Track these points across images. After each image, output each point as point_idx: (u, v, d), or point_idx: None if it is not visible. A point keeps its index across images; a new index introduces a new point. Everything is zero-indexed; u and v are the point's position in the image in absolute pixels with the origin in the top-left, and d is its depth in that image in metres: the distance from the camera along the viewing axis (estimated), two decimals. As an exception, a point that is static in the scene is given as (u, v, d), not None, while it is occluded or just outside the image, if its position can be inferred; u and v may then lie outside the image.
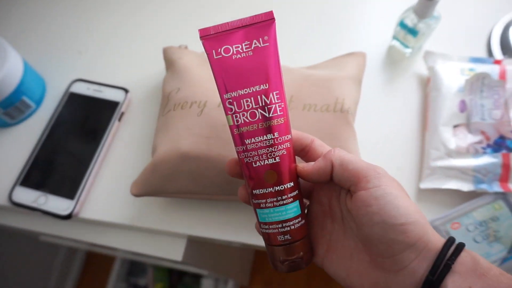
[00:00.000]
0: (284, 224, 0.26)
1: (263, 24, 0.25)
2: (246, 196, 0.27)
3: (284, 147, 0.26)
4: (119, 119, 0.48)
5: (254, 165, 0.25)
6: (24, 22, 0.59)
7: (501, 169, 0.39)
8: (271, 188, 0.25)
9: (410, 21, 0.45)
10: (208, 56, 0.25)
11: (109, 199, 0.44)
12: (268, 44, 0.25)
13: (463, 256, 0.21)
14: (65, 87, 0.51)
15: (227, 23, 0.25)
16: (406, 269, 0.22)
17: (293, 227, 0.26)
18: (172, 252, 0.44)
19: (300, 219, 0.26)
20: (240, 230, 0.41)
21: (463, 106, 0.42)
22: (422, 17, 0.43)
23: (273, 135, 0.25)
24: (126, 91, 0.49)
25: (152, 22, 0.57)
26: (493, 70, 0.43)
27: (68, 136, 0.47)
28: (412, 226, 0.22)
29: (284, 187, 0.26)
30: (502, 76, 0.43)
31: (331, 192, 0.28)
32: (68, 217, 0.43)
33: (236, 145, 0.26)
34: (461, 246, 0.22)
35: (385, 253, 0.23)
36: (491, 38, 0.49)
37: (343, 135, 0.37)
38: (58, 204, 0.43)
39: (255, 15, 0.25)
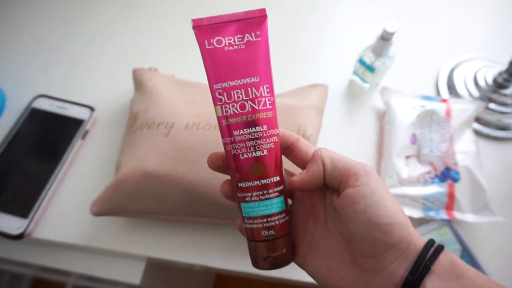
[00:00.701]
0: (269, 219, 0.26)
1: (256, 20, 0.26)
2: (229, 190, 0.27)
3: (272, 140, 0.26)
4: (83, 137, 0.47)
5: (241, 157, 0.25)
6: (-12, 34, 0.58)
7: (447, 197, 0.42)
8: (257, 181, 0.25)
9: (368, 58, 0.49)
10: (200, 47, 0.25)
11: (66, 219, 0.43)
12: (260, 39, 0.26)
13: (442, 257, 0.22)
14: (27, 102, 0.50)
15: (220, 16, 0.25)
16: (387, 269, 0.22)
17: (277, 222, 0.26)
18: (129, 275, 0.43)
19: (284, 215, 0.26)
20: (202, 253, 0.41)
21: (414, 139, 0.46)
22: (379, 55, 0.47)
23: (262, 127, 0.25)
24: (92, 109, 0.49)
25: (120, 42, 0.58)
26: (440, 107, 0.47)
27: (27, 152, 0.46)
28: (396, 227, 0.22)
29: (271, 180, 0.26)
30: (448, 113, 0.47)
31: (314, 191, 0.28)
32: (20, 237, 0.41)
33: (223, 137, 0.26)
34: (440, 248, 0.22)
35: (367, 252, 0.23)
36: (439, 79, 0.55)
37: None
38: (9, 223, 0.41)
39: (248, 11, 0.26)
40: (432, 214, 0.41)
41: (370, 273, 0.23)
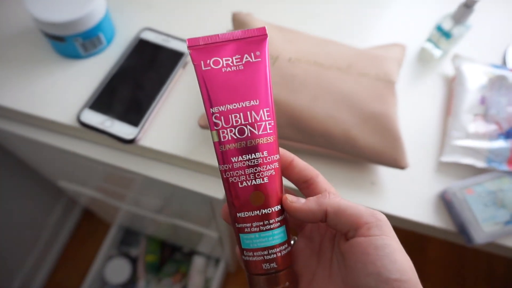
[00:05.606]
0: (270, 251, 0.24)
1: (255, 39, 0.24)
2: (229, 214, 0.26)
3: (273, 167, 0.24)
4: (184, 67, 0.53)
5: (240, 186, 0.24)
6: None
7: (510, 152, 0.46)
8: (257, 211, 0.24)
9: (447, 25, 0.53)
10: (195, 68, 0.24)
11: (168, 132, 0.49)
12: (260, 59, 0.24)
13: None
14: (133, 35, 0.56)
15: (217, 35, 0.24)
16: None
17: (279, 254, 0.25)
18: (215, 190, 0.49)
19: (286, 245, 0.25)
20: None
21: (483, 100, 0.50)
22: (458, 22, 0.52)
23: (262, 154, 0.24)
24: (191, 45, 0.54)
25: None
26: (510, 75, 0.51)
27: (137, 71, 0.52)
28: (405, 284, 0.21)
29: (272, 210, 0.24)
30: (516, 81, 0.51)
31: (326, 230, 0.27)
32: (131, 141, 0.47)
33: (220, 164, 0.24)
34: None
35: None
36: (507, 52, 0.58)
37: (390, 101, 0.44)
38: (123, 129, 0.48)
39: (247, 30, 0.25)
40: (495, 165, 0.46)
41: None
